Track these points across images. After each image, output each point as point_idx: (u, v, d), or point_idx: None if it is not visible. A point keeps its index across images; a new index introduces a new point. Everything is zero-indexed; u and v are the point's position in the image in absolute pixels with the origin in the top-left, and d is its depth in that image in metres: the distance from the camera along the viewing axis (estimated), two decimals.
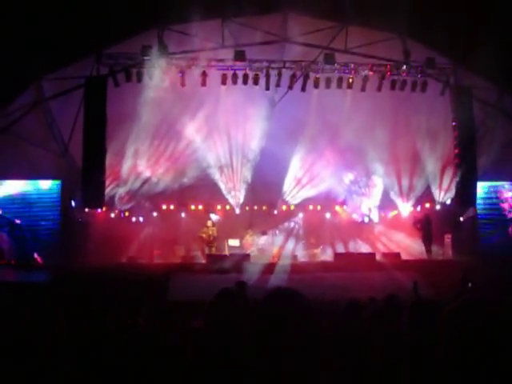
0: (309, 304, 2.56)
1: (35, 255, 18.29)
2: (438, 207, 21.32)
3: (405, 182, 21.87)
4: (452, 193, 20.22)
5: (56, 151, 19.60)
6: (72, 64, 18.00)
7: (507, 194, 20.70)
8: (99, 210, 19.83)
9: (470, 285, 11.88)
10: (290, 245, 21.53)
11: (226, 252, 20.34)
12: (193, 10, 15.79)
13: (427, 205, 21.74)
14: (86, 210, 19.36)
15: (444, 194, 20.98)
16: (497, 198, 20.71)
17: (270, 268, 17.28)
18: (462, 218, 20.65)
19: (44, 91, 18.81)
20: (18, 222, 18.56)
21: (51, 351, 4.74)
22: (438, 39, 17.74)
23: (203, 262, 19.16)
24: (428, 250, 20.07)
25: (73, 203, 19.47)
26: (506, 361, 2.04)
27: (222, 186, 21.71)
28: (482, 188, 20.37)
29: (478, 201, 20.06)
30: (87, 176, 17.78)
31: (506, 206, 20.68)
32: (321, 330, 3.86)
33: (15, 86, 17.68)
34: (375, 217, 22.55)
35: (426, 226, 20.38)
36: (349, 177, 22.56)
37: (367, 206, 22.58)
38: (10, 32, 15.17)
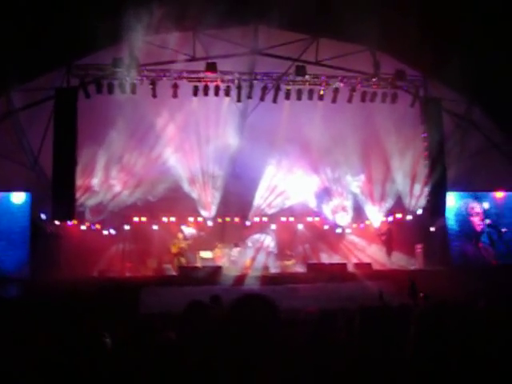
0: (278, 310, 2.56)
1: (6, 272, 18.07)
2: (409, 217, 21.50)
3: (376, 193, 22.05)
4: (423, 203, 20.41)
5: (25, 163, 19.36)
6: (42, 75, 17.87)
7: (477, 209, 20.96)
8: (69, 223, 19.61)
9: (421, 295, 11.95)
10: (263, 256, 21.54)
11: (198, 264, 20.27)
12: (164, 23, 15.81)
13: (398, 215, 21.92)
14: (56, 222, 19.14)
15: (415, 205, 21.17)
16: (466, 211, 20.96)
17: (241, 279, 17.33)
18: (432, 228, 20.84)
19: (13, 102, 18.61)
20: None
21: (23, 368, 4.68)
22: (407, 51, 17.98)
23: (175, 274, 19.09)
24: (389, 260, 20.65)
25: (43, 216, 19.24)
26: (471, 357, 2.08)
27: (194, 198, 21.64)
28: (454, 199, 20.64)
29: (450, 213, 20.34)
30: (57, 188, 17.58)
31: (475, 219, 20.93)
32: (294, 339, 3.87)
33: None
34: (346, 223, 22.68)
35: (388, 238, 20.81)
36: (321, 186, 22.68)
37: (339, 215, 22.73)
38: None
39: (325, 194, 22.83)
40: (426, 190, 19.69)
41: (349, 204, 22.67)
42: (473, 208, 20.91)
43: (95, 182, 20.55)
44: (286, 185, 22.39)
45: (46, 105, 18.37)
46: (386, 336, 3.54)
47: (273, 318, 2.52)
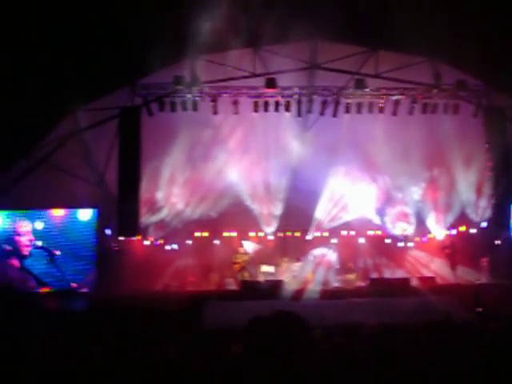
0: (308, 328, 2.62)
1: (73, 285, 18.54)
2: (473, 230, 21.06)
3: (439, 204, 21.69)
4: (487, 215, 19.96)
5: (91, 180, 19.89)
6: (107, 95, 18.38)
7: None
8: (134, 239, 20.01)
9: (480, 310, 11.70)
10: (324, 271, 21.43)
11: (260, 278, 20.33)
12: (224, 40, 16.07)
13: (462, 228, 21.49)
14: (121, 238, 19.56)
15: (479, 217, 20.73)
16: None
17: (301, 293, 17.28)
18: (498, 241, 20.35)
19: (79, 122, 19.16)
20: (57, 252, 18.84)
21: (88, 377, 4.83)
22: (468, 61, 17.71)
23: (237, 288, 19.19)
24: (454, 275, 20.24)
25: (108, 232, 19.69)
26: None
27: (256, 213, 21.75)
28: None
29: None
30: (122, 205, 18.01)
31: None
32: (355, 354, 3.88)
33: (52, 117, 18.09)
34: (409, 234, 22.36)
35: (452, 252, 20.38)
36: (382, 197, 22.45)
37: (402, 229, 22.43)
38: (48, 64, 15.59)
39: (386, 203, 22.57)
40: (491, 201, 19.25)
41: (411, 212, 22.33)
42: None
43: (158, 198, 20.91)
44: (348, 197, 22.25)
45: (111, 123, 18.86)
46: (452, 353, 3.52)
47: (302, 335, 2.59)
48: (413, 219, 22.31)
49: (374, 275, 21.07)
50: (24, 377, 4.16)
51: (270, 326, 4.28)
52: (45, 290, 18.42)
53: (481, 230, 20.78)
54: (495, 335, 2.31)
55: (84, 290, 18.40)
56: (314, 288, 18.64)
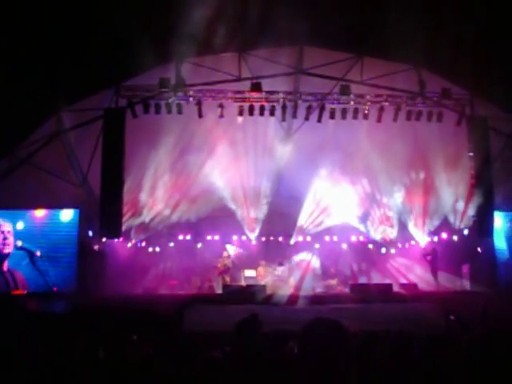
0: (349, 333, 2.59)
1: (54, 288, 18.39)
2: (455, 237, 21.17)
3: (422, 213, 21.80)
4: (469, 223, 20.08)
5: (74, 181, 19.77)
6: (91, 96, 18.29)
7: None
8: (116, 240, 19.92)
9: (452, 317, 11.75)
10: (306, 276, 21.47)
11: (242, 282, 20.31)
12: (210, 44, 16.06)
13: (444, 235, 21.61)
14: (103, 239, 19.46)
15: (461, 224, 20.85)
16: None
17: (288, 299, 17.22)
18: (479, 249, 20.48)
19: (63, 122, 19.04)
20: (38, 253, 18.70)
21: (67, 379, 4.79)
22: (453, 70, 17.81)
23: (219, 292, 19.16)
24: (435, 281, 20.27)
25: (90, 233, 19.58)
26: None
27: (239, 217, 21.75)
28: (502, 219, 20.25)
29: (498, 234, 19.94)
30: (105, 206, 17.88)
31: None
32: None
33: (36, 117, 17.97)
34: (390, 238, 22.46)
35: (434, 258, 20.46)
36: (365, 201, 22.52)
37: (384, 233, 22.52)
38: (32, 64, 15.50)
39: (369, 207, 22.64)
40: (473, 209, 19.36)
41: (393, 216, 22.40)
42: None
43: (142, 200, 20.84)
44: (331, 202, 22.29)
45: (95, 124, 18.75)
46: (431, 361, 3.53)
47: (344, 343, 2.55)
48: (395, 222, 22.40)
49: (356, 281, 21.13)
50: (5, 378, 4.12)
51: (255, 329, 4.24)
52: (25, 291, 18.26)
53: (463, 237, 20.91)
54: (473, 345, 2.31)
55: (65, 291, 18.26)
56: (303, 293, 18.60)
